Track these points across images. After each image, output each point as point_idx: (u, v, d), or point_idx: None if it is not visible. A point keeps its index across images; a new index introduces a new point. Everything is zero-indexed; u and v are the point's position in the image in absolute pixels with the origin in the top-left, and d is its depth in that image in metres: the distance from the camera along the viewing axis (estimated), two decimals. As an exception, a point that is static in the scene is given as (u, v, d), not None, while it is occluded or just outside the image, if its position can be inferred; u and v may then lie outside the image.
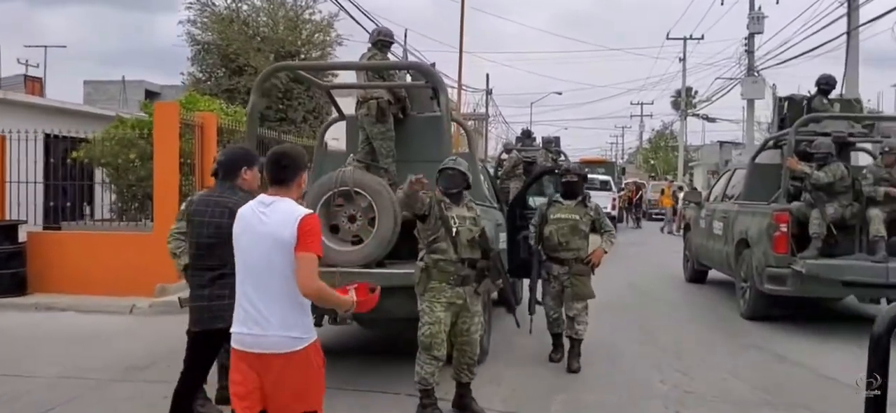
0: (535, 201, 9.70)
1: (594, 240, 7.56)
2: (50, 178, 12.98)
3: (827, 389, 6.99)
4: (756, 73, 30.20)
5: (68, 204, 12.95)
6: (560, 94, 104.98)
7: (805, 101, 11.28)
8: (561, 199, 7.54)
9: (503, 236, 9.15)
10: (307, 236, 3.41)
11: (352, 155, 7.50)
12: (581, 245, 7.37)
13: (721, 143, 56.76)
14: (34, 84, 28.65)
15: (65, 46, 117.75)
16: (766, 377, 7.37)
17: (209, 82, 18.16)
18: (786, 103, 11.62)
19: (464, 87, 36.23)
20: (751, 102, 31.33)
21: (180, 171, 11.50)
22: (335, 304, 3.66)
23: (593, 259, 7.35)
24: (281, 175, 3.58)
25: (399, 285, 6.15)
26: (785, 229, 9.58)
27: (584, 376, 7.22)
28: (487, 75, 43.66)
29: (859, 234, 9.85)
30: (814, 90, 11.25)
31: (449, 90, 31.65)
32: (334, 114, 9.56)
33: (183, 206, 5.70)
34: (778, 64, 31.35)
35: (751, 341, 8.99)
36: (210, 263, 4.75)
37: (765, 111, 33.28)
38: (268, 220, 3.45)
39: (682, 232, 18.15)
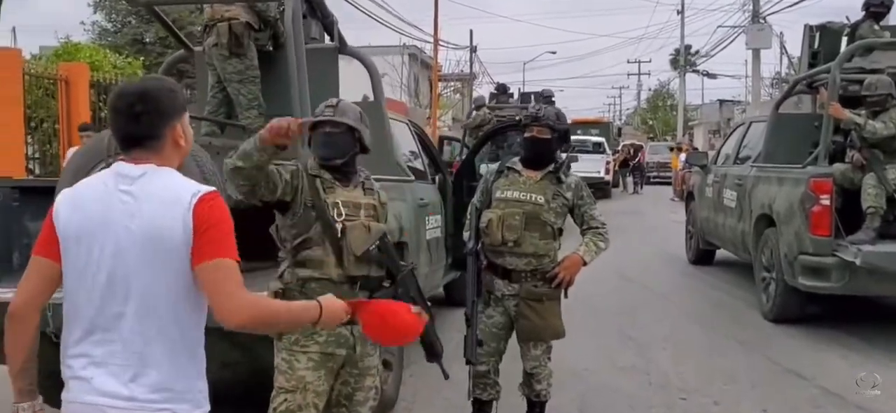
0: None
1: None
2: None
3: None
4: (762, 20, 27.41)
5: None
6: (554, 53, 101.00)
7: (847, 30, 8.58)
8: (518, 167, 4.51)
9: (435, 219, 6.64)
10: (214, 230, 2.07)
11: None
12: (542, 247, 4.34)
13: (721, 102, 55.73)
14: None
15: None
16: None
17: (118, 34, 15.26)
18: (818, 34, 8.92)
19: (443, 43, 33.55)
20: (756, 53, 28.69)
21: (30, 132, 9.02)
22: (292, 322, 2.43)
23: (563, 273, 4.34)
24: (137, 129, 2.14)
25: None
26: (827, 202, 6.93)
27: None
28: (470, 31, 40.15)
29: (930, 208, 7.22)
30: (861, 15, 8.53)
31: (426, 46, 28.57)
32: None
33: None
34: (786, 8, 28.45)
35: (784, 363, 6.34)
36: None
37: (767, 65, 30.89)
38: (140, 207, 2.06)
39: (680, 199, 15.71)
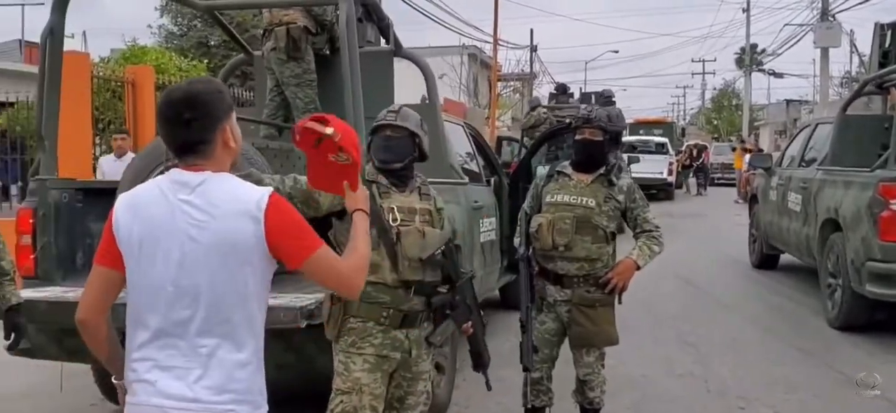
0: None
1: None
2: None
3: None
4: (831, 18, 26.66)
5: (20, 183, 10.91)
6: (616, 52, 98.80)
7: (920, 28, 8.32)
8: (569, 171, 4.47)
9: (490, 222, 6.61)
10: (293, 231, 2.16)
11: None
12: (594, 252, 4.28)
13: (788, 102, 54.33)
14: (32, 50, 26.42)
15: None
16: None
17: (184, 37, 15.53)
18: (889, 32, 8.65)
19: (503, 43, 33.41)
20: (825, 52, 27.90)
21: (98, 134, 9.31)
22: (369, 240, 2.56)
23: (616, 278, 4.29)
24: (189, 136, 2.15)
25: (282, 327, 3.58)
26: (897, 207, 6.71)
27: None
28: (531, 31, 39.78)
29: None
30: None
31: (485, 46, 28.36)
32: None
33: None
34: (856, 5, 27.59)
35: (849, 372, 6.10)
36: None
37: (837, 64, 30.02)
38: (203, 217, 2.09)
39: (744, 201, 15.38)
